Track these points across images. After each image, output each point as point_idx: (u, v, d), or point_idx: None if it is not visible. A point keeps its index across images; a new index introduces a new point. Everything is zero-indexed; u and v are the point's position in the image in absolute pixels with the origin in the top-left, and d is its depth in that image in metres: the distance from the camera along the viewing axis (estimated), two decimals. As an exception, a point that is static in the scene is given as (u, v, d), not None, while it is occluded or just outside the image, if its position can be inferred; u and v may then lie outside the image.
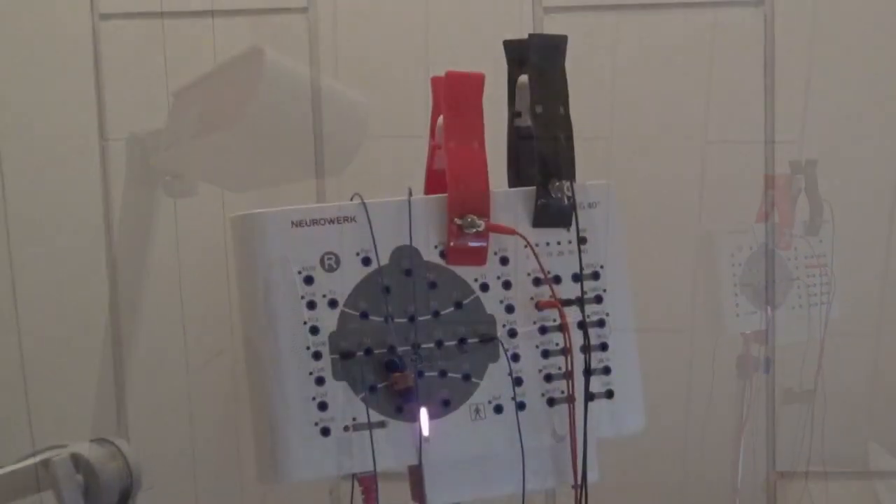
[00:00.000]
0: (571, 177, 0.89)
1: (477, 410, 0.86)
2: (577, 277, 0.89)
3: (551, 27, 1.67)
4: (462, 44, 1.71)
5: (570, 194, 0.88)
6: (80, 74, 1.76)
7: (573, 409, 0.88)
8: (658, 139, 1.72)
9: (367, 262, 0.85)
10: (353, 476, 0.86)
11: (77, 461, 0.96)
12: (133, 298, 1.79)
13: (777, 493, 1.74)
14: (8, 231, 1.80)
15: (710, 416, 1.76)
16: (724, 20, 1.69)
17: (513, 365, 0.87)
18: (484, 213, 0.86)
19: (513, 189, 0.90)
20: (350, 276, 0.84)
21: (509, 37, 0.93)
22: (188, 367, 1.81)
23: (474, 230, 0.86)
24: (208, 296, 1.78)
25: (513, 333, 0.88)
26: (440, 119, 0.89)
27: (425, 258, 0.86)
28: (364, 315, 0.84)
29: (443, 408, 0.86)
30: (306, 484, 1.22)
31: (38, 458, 0.98)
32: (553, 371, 0.88)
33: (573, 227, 0.90)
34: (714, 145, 1.72)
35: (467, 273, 0.87)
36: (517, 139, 0.92)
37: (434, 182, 0.92)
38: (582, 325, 0.89)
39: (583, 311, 0.89)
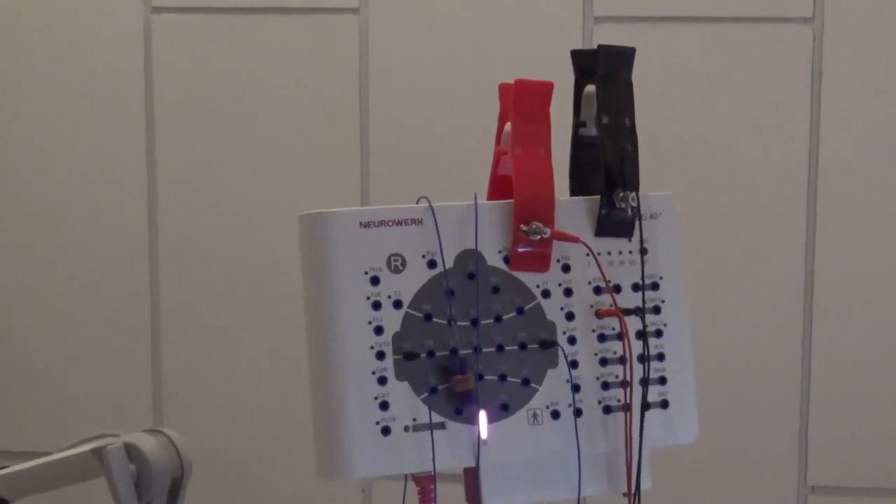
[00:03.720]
0: (636, 187, 0.90)
1: (535, 415, 0.87)
2: (637, 287, 0.90)
3: (601, 37, 1.68)
4: (511, 49, 1.72)
5: (634, 205, 0.89)
6: (130, 67, 1.78)
7: (629, 417, 0.89)
8: (703, 152, 1.72)
9: (432, 264, 0.86)
10: (406, 476, 0.86)
11: (130, 450, 0.97)
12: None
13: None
14: (56, 226, 1.82)
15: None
16: (773, 36, 1.70)
17: (572, 372, 0.88)
18: (549, 220, 0.87)
19: (577, 197, 0.91)
20: (415, 277, 0.85)
21: (564, 46, 0.93)
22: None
23: (539, 237, 0.87)
24: (260, 291, 1.80)
25: (572, 340, 0.88)
26: (507, 125, 0.90)
27: (489, 263, 0.87)
28: (428, 317, 0.85)
29: (501, 411, 0.86)
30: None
31: (90, 446, 0.99)
32: (610, 379, 0.89)
33: (635, 238, 0.90)
34: (759, 159, 1.72)
35: (530, 279, 0.88)
36: (581, 148, 0.93)
37: (498, 188, 0.93)
38: (641, 335, 0.89)
39: (643, 320, 0.89)
